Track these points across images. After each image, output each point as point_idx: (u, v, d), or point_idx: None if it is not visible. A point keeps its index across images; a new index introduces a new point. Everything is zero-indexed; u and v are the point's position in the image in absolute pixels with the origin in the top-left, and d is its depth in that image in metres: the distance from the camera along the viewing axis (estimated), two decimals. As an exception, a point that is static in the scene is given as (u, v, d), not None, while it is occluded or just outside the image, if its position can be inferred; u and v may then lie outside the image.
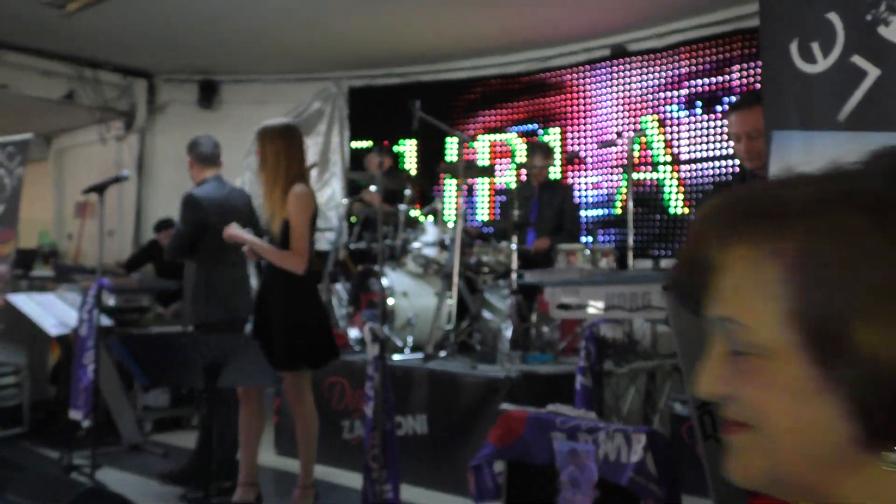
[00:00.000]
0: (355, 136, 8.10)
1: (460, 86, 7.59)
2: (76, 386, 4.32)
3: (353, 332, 5.07)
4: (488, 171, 6.78)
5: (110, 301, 5.09)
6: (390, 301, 4.80)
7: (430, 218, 5.56)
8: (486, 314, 4.98)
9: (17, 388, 5.44)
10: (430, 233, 5.27)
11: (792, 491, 0.63)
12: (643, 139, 6.46)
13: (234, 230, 3.63)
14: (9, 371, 5.43)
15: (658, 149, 6.43)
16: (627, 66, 6.66)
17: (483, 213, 7.46)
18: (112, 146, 8.51)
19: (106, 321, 4.67)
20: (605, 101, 6.80)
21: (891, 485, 0.58)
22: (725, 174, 6.01)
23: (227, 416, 3.91)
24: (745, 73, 5.99)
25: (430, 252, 5.18)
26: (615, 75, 6.74)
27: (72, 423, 4.35)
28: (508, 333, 4.63)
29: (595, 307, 2.99)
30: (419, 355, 4.66)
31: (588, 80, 6.93)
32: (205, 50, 7.48)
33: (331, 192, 8.10)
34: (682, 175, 6.33)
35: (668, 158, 6.38)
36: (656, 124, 6.48)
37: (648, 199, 6.43)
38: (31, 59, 7.45)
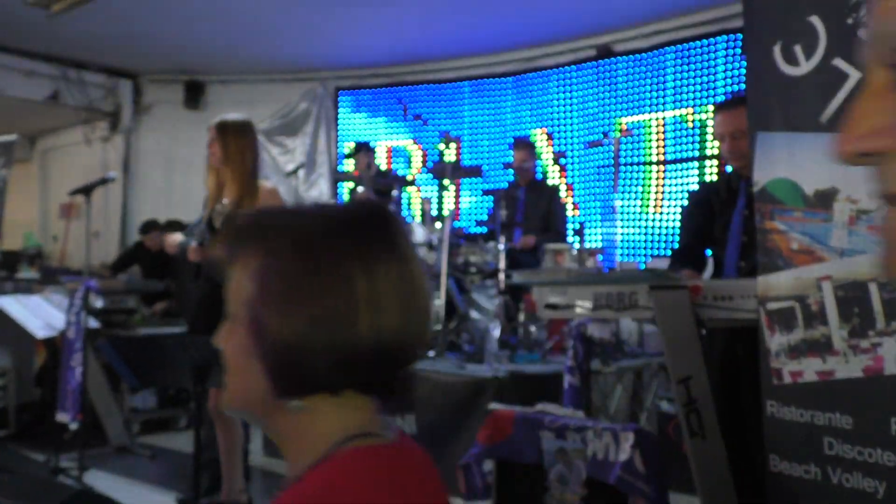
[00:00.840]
0: (342, 136, 8.10)
1: (447, 86, 7.60)
2: (64, 388, 4.30)
3: (342, 333, 5.06)
4: (476, 172, 6.79)
5: (97, 303, 5.07)
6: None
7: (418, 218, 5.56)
8: (474, 314, 4.99)
9: (2, 390, 5.40)
10: (418, 233, 5.28)
11: (250, 419, 0.95)
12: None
13: None
14: (-6, 373, 5.40)
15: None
16: (613, 66, 6.70)
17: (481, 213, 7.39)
18: (97, 147, 8.46)
19: (93, 323, 4.65)
20: (592, 100, 6.84)
21: (297, 422, 0.89)
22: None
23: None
24: (729, 73, 6.04)
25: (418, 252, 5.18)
26: (601, 75, 6.78)
27: (58, 426, 4.32)
28: (496, 333, 4.65)
29: (582, 307, 2.99)
30: (407, 355, 4.65)
31: (574, 80, 6.96)
32: (190, 50, 7.46)
33: (318, 193, 8.09)
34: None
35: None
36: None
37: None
38: (15, 59, 7.40)
